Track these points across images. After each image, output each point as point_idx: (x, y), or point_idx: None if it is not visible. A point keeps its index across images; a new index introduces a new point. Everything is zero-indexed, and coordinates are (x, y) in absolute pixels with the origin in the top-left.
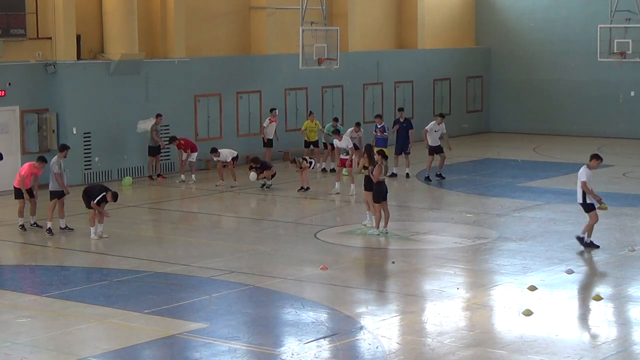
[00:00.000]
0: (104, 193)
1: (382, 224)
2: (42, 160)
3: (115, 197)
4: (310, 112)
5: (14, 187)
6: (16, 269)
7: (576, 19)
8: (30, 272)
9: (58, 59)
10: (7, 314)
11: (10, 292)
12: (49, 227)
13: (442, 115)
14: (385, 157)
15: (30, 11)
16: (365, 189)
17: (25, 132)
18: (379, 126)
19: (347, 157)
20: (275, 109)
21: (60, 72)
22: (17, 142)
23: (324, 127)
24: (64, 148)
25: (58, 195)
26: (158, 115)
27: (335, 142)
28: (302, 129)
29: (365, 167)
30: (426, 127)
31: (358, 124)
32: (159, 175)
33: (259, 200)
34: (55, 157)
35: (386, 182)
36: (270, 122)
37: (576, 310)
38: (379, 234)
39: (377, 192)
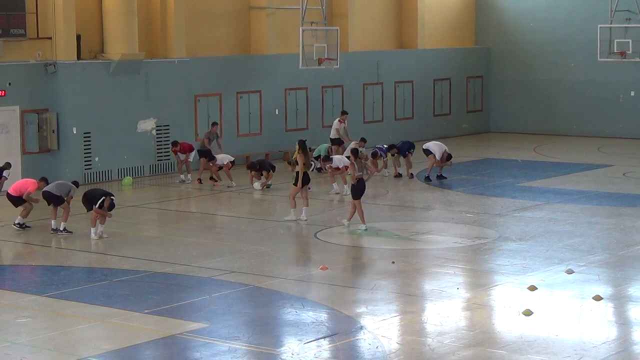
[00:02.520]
0: (104, 198)
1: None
2: (46, 181)
3: (112, 205)
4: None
5: (10, 194)
6: (16, 269)
7: (576, 19)
8: (30, 272)
9: (58, 59)
10: (7, 314)
11: (10, 292)
12: (54, 227)
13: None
14: (356, 155)
15: (30, 11)
16: (294, 184)
17: (25, 132)
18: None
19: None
20: (347, 113)
21: (60, 72)
22: (18, 142)
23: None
24: (78, 186)
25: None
26: (214, 124)
27: (334, 159)
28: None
29: (296, 163)
30: (435, 155)
31: (363, 139)
32: (211, 179)
33: (259, 200)
34: (73, 192)
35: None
36: (340, 123)
37: (576, 310)
38: (366, 229)
39: (357, 189)
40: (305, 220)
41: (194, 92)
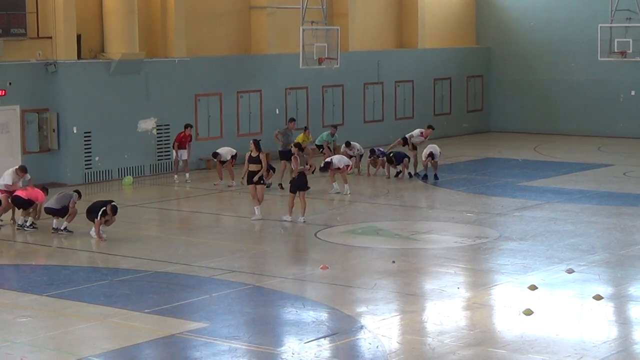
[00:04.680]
0: (104, 207)
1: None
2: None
3: (114, 210)
4: (306, 127)
5: (21, 197)
6: (16, 268)
7: (576, 19)
8: (30, 272)
9: (58, 58)
10: (7, 313)
11: (10, 291)
12: (55, 227)
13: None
14: (301, 149)
15: (30, 11)
16: (249, 183)
17: (25, 131)
18: (374, 156)
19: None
20: (433, 128)
21: (60, 72)
22: (18, 142)
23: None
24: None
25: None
26: (292, 120)
27: (333, 159)
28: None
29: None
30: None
31: (348, 143)
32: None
33: None
34: (75, 198)
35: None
36: (420, 136)
37: (576, 309)
38: (304, 221)
39: (296, 182)
40: (260, 218)
41: (194, 91)
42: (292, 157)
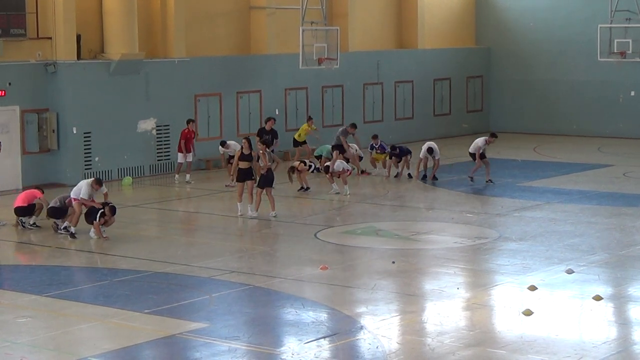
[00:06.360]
0: (102, 209)
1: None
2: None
3: (113, 210)
4: (310, 117)
5: (21, 206)
6: (16, 268)
7: (576, 19)
8: (30, 272)
9: (58, 58)
10: (7, 314)
11: (10, 292)
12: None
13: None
14: (268, 145)
15: (30, 11)
16: (239, 180)
17: (25, 131)
18: (376, 146)
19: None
20: (496, 137)
21: (60, 72)
22: (18, 142)
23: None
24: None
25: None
26: (353, 126)
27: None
28: (298, 134)
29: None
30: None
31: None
32: (363, 172)
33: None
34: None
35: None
36: (485, 143)
37: (576, 310)
38: (275, 216)
39: (264, 178)
40: (256, 215)
41: (194, 92)
42: (260, 154)
